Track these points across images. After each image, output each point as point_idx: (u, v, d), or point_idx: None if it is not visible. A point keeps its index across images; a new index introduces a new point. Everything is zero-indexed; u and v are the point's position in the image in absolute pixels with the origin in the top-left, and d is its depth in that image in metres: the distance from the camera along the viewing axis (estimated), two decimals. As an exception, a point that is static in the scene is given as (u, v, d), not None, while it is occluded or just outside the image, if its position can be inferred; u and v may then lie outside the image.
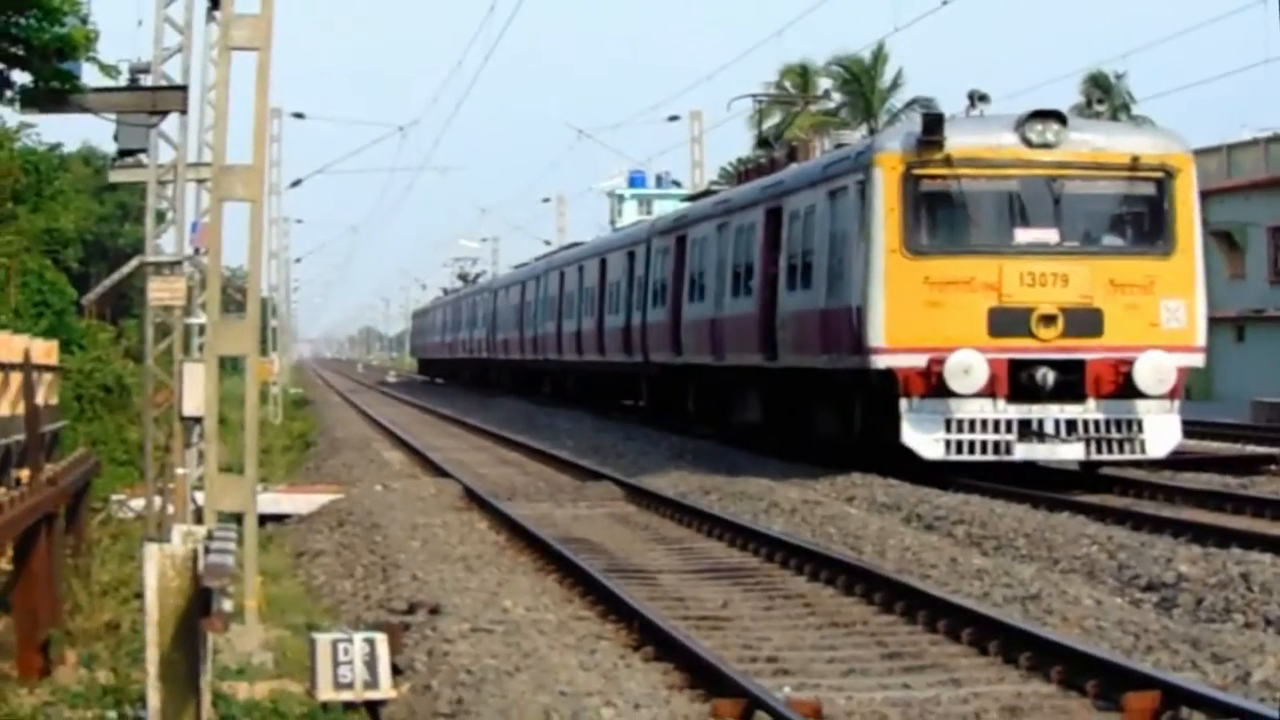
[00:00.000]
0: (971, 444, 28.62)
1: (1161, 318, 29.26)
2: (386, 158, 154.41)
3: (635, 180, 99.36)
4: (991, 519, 23.64)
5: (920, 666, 14.40)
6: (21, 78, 22.57)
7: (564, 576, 19.80)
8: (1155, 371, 28.61)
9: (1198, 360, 29.95)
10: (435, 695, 13.01)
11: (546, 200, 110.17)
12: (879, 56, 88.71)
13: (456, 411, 63.06)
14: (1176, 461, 31.20)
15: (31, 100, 22.73)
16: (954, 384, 28.27)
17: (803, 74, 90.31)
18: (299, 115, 70.58)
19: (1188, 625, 15.72)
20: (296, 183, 74.61)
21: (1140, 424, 28.89)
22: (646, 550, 22.90)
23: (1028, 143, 29.26)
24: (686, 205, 48.40)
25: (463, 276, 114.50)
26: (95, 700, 12.81)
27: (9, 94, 22.82)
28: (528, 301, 71.12)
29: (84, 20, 22.25)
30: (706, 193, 48.77)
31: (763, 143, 47.47)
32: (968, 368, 28.24)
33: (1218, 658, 13.87)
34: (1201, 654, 14.06)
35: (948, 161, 29.14)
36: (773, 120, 68.99)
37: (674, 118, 72.03)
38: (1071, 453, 28.97)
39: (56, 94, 22.40)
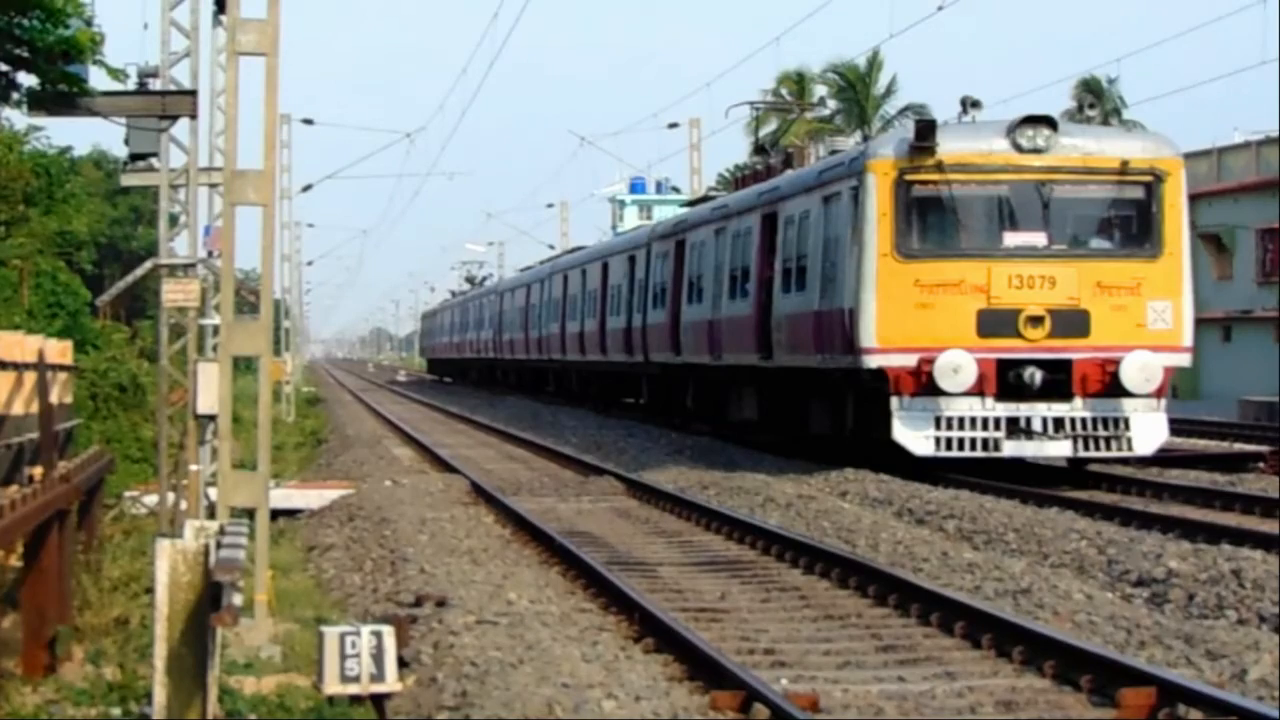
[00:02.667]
0: (961, 441, 28.46)
1: (1148, 318, 29.09)
2: (395, 164, 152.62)
3: (636, 186, 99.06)
4: (981, 514, 23.46)
5: (914, 660, 14.20)
6: (28, 80, 22.36)
7: (567, 569, 19.63)
8: (1141, 371, 28.44)
9: (1184, 360, 29.78)
10: (440, 688, 12.82)
11: (550, 206, 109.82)
12: (874, 63, 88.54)
13: (464, 409, 62.90)
14: (1164, 459, 31.03)
15: (39, 103, 22.51)
16: (943, 383, 28.11)
17: (799, 81, 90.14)
18: (308, 121, 70.40)
19: (1180, 621, 15.49)
20: (307, 188, 74.50)
21: (1127, 422, 28.72)
22: (647, 543, 22.72)
23: (1018, 148, 29.08)
24: (685, 210, 48.25)
25: (470, 279, 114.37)
26: (100, 697, 12.63)
27: (16, 96, 22.61)
28: (533, 303, 71.02)
29: (89, 23, 22.03)
30: (705, 198, 48.62)
31: (759, 149, 47.27)
32: (957, 367, 28.08)
33: (1212, 654, 13.63)
34: (1195, 650, 13.82)
35: (939, 167, 28.97)
36: (769, 127, 68.78)
37: (674, 125, 71.93)
38: (1059, 450, 28.80)
39: (64, 97, 22.19)
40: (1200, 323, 32.23)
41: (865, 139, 52.93)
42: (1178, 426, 37.74)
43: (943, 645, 14.79)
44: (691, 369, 42.89)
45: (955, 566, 18.67)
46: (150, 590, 11.74)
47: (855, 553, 19.84)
